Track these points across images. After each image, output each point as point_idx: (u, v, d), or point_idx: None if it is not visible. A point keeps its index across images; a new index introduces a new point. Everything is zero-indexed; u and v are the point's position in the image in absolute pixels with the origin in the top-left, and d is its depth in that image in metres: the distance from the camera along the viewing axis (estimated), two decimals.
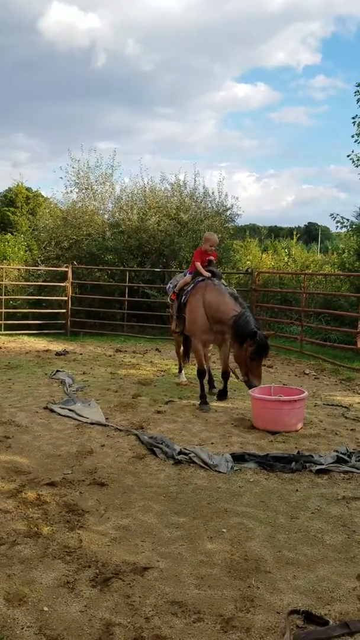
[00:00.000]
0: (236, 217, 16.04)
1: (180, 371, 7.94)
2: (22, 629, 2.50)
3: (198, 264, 6.88)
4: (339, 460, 4.56)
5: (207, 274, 6.73)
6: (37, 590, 2.79)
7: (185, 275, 7.31)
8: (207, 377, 7.06)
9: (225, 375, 6.75)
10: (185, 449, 4.80)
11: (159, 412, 6.19)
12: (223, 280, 7.01)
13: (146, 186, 15.47)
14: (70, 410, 6.06)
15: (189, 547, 3.27)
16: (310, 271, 15.26)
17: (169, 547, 3.27)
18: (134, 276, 14.12)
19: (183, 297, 6.97)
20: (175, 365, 9.37)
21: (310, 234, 46.34)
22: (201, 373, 6.70)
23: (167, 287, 7.76)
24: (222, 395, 6.79)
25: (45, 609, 2.64)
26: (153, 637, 2.46)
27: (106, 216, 15.73)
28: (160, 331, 13.06)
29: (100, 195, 15.82)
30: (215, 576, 2.97)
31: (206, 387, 6.88)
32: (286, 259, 17.93)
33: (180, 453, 4.72)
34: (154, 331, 13.30)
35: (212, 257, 6.99)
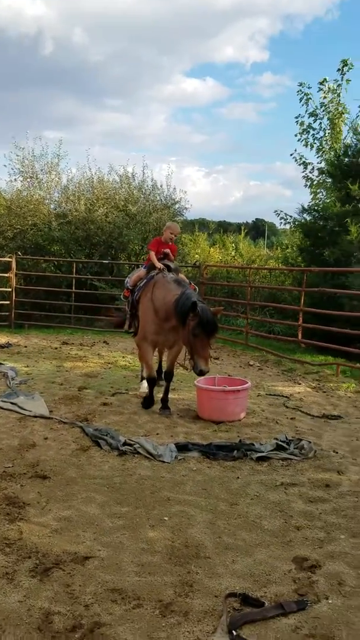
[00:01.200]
0: (184, 211, 16.14)
1: (143, 379, 6.74)
2: None
3: (152, 254, 6.24)
4: (279, 448, 4.70)
5: (160, 266, 6.05)
6: None
7: (141, 269, 6.62)
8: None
9: (168, 377, 6.03)
10: (130, 440, 4.82)
11: (105, 404, 6.17)
12: (182, 275, 6.22)
13: (94, 177, 15.30)
14: (12, 403, 5.94)
15: (131, 536, 3.29)
16: (255, 265, 15.56)
17: (111, 536, 3.28)
18: (81, 268, 13.94)
19: (136, 294, 6.29)
20: (124, 357, 9.37)
21: (258, 229, 47.10)
22: (151, 381, 6.07)
23: (125, 282, 6.98)
24: (164, 404, 5.98)
25: None
26: (92, 624, 2.47)
27: (52, 206, 15.42)
28: (109, 324, 12.98)
29: (46, 185, 15.49)
30: (156, 563, 3.01)
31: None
32: (233, 253, 18.21)
33: (124, 444, 4.73)
34: (102, 324, 13.19)
35: (168, 250, 6.31)
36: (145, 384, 6.47)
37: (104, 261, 13.62)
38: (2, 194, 16.25)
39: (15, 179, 15.51)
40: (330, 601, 2.71)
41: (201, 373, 5.27)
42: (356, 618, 2.58)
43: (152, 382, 6.05)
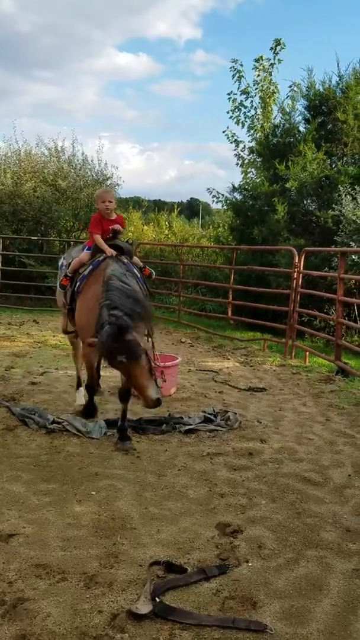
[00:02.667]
0: (117, 187, 15.89)
1: (79, 386, 5.36)
2: None
3: (97, 238, 4.57)
4: (206, 420, 4.82)
5: (111, 252, 4.44)
6: None
7: (83, 250, 4.89)
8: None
9: (125, 397, 4.34)
10: (58, 418, 4.76)
11: (33, 383, 6.05)
12: (137, 259, 4.92)
13: (21, 149, 14.72)
14: None
15: (57, 512, 3.27)
16: (188, 244, 15.64)
17: (37, 513, 3.25)
18: (8, 244, 13.46)
19: (77, 284, 4.62)
20: (54, 336, 9.18)
21: (193, 209, 47.26)
22: (92, 389, 4.64)
23: (59, 265, 5.55)
24: (121, 434, 4.38)
25: None
26: (15, 600, 2.45)
27: None
28: (39, 303, 12.66)
29: None
30: (82, 537, 3.01)
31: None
32: (167, 232, 18.21)
33: (53, 422, 4.67)
34: (32, 302, 12.86)
35: (117, 226, 4.65)
36: (81, 394, 5.10)
37: (33, 237, 13.22)
38: None
39: None
40: (250, 564, 2.83)
41: (154, 404, 3.68)
42: (274, 579, 2.71)
43: (92, 391, 4.63)
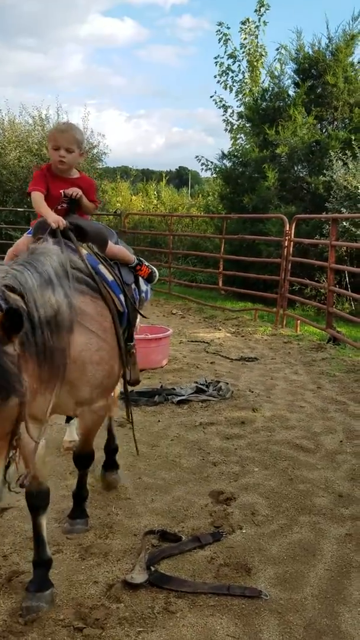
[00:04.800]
0: (103, 156, 15.61)
1: (69, 418, 3.74)
2: None
3: (35, 198, 2.66)
4: (198, 391, 4.82)
5: (57, 219, 2.50)
6: None
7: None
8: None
9: (81, 462, 2.85)
10: None
11: None
12: (121, 250, 2.91)
13: (4, 118, 14.35)
14: None
15: (51, 484, 3.23)
16: (177, 213, 15.45)
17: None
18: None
19: None
20: None
21: (182, 178, 46.63)
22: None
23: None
24: (75, 509, 2.94)
25: None
26: (10, 573, 2.46)
27: None
28: None
29: None
30: None
31: None
32: (155, 201, 17.96)
33: None
34: None
35: (75, 189, 2.67)
36: (74, 431, 3.70)
37: (19, 209, 12.99)
38: None
39: None
40: (244, 531, 2.85)
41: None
42: (267, 545, 2.73)
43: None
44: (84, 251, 2.54)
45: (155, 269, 3.19)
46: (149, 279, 3.12)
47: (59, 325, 2.04)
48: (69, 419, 3.71)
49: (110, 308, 2.50)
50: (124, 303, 2.63)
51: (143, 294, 3.15)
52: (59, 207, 2.63)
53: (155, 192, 18.98)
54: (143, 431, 4.08)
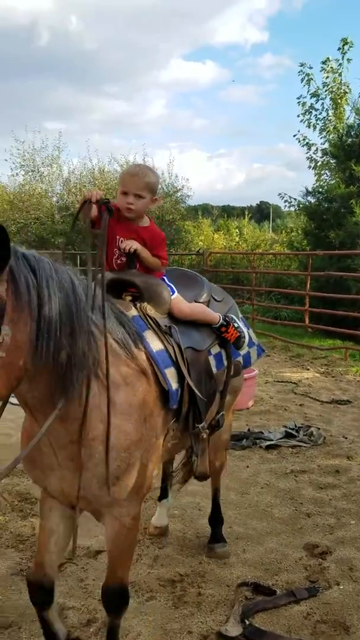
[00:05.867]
0: (187, 198, 16.11)
1: (163, 496, 3.32)
2: None
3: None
4: (288, 436, 4.72)
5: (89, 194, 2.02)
6: None
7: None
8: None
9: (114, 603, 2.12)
10: None
11: None
12: (197, 309, 2.45)
13: (95, 167, 15.27)
14: None
15: (142, 529, 3.31)
16: (260, 251, 15.49)
17: None
18: (85, 259, 13.96)
19: None
20: None
21: (262, 212, 46.85)
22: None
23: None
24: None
25: None
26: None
27: (55, 199, 15.47)
28: None
29: (47, 178, 15.53)
30: (168, 555, 3.04)
31: None
32: (237, 238, 18.14)
33: None
34: None
35: (132, 243, 2.23)
36: (165, 509, 3.30)
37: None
38: (4, 188, 16.29)
39: (17, 173, 15.57)
40: (341, 587, 2.74)
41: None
42: None
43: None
44: (133, 312, 2.13)
45: (246, 332, 2.63)
46: (235, 344, 2.56)
47: (75, 333, 1.67)
48: (161, 497, 3.31)
49: (149, 382, 2.01)
50: (169, 380, 2.08)
51: (239, 358, 2.67)
52: (119, 261, 2.29)
53: (236, 229, 19.19)
54: (231, 477, 4.06)
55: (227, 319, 2.54)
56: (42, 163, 15.46)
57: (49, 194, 15.46)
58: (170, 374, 2.10)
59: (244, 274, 13.89)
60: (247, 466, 4.25)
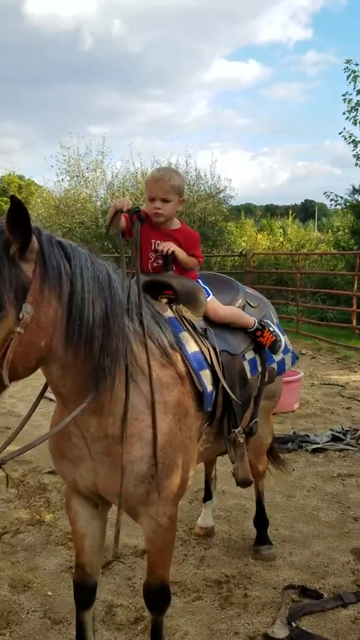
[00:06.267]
0: (230, 199, 16.04)
1: (207, 497, 3.37)
2: (28, 613, 2.59)
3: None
4: (335, 439, 4.66)
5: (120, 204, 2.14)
6: (41, 576, 2.88)
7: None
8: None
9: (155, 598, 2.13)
10: None
11: None
12: (231, 312, 2.44)
13: (138, 171, 15.43)
14: None
15: (189, 529, 3.35)
16: (305, 251, 15.27)
17: None
18: (128, 262, 14.12)
19: None
20: None
21: (307, 211, 46.12)
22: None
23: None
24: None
25: (50, 593, 2.73)
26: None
27: (99, 203, 15.73)
28: None
29: (91, 182, 15.80)
30: (214, 556, 3.06)
31: None
32: (281, 239, 17.92)
33: None
34: None
35: (169, 244, 2.24)
36: (210, 509, 3.34)
37: None
38: (51, 194, 16.71)
39: (62, 179, 15.92)
40: None
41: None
42: None
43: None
44: (168, 313, 2.13)
45: (282, 336, 2.60)
46: (271, 349, 2.52)
47: (108, 324, 1.70)
48: (206, 498, 3.34)
49: (184, 383, 2.01)
50: (204, 382, 2.07)
51: (274, 364, 2.63)
52: (155, 264, 2.29)
53: (280, 229, 18.96)
54: (277, 479, 4.02)
55: (262, 323, 2.52)
56: (87, 168, 15.79)
57: (93, 198, 15.74)
58: (205, 376, 2.10)
59: (288, 275, 13.73)
60: (293, 469, 4.21)
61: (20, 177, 38.58)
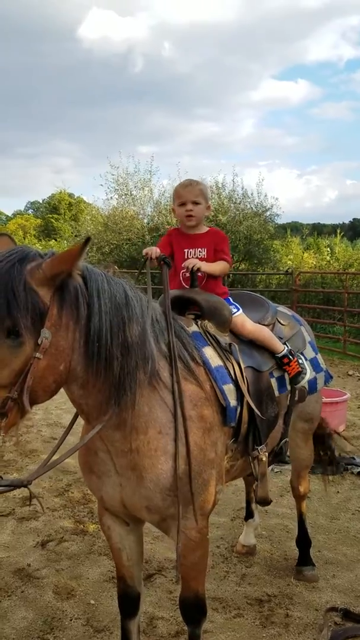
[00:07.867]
0: (276, 217, 15.99)
1: (249, 515, 3.36)
2: (71, 620, 2.65)
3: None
4: None
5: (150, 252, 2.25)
6: (84, 584, 2.94)
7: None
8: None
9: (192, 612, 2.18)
10: None
11: None
12: (260, 331, 2.44)
13: None
14: None
15: (230, 546, 3.35)
16: (353, 270, 15.01)
17: (211, 545, 3.27)
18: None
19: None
20: None
21: (356, 230, 45.39)
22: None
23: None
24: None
25: (92, 602, 2.79)
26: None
27: (145, 220, 15.99)
28: None
29: (139, 200, 16.10)
30: (255, 574, 3.05)
31: None
32: (328, 257, 17.66)
33: None
34: None
35: (191, 262, 2.27)
36: (252, 528, 3.33)
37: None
38: (100, 211, 17.15)
39: (111, 197, 16.31)
40: None
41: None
42: None
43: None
44: (193, 328, 2.18)
45: (308, 369, 2.58)
46: (293, 379, 2.50)
47: (127, 344, 1.74)
48: (247, 516, 3.33)
49: (207, 397, 2.02)
50: (227, 396, 2.07)
51: (304, 383, 2.58)
52: (187, 275, 2.33)
53: (327, 248, 18.70)
54: (321, 502, 3.98)
55: (293, 352, 2.52)
56: (135, 186, 16.13)
57: (140, 216, 16.04)
58: (229, 390, 2.10)
59: (335, 294, 13.53)
60: (338, 492, 4.15)
61: (70, 195, 39.71)
